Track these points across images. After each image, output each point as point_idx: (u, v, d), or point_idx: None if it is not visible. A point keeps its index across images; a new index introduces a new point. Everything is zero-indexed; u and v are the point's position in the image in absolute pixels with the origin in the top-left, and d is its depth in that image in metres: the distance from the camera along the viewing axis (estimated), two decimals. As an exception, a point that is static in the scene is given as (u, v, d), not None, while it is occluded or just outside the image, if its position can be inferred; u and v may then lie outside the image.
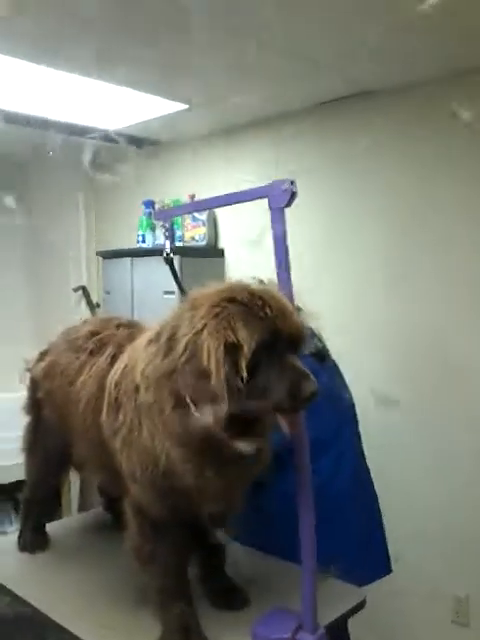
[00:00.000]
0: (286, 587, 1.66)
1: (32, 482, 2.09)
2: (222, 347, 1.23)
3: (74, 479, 3.69)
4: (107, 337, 1.79)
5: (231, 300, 1.29)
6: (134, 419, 1.46)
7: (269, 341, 1.25)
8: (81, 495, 3.82)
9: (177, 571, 1.55)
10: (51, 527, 2.14)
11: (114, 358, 1.67)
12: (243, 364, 1.23)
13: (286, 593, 1.61)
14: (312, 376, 1.27)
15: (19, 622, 1.78)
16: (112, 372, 1.62)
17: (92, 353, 1.76)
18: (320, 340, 1.93)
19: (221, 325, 1.25)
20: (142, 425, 1.44)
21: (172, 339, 1.32)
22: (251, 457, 1.36)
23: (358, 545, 1.92)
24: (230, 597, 1.66)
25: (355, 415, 2.11)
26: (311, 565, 1.46)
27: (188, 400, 1.27)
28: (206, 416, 1.26)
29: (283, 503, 1.62)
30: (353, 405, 2.12)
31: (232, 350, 1.23)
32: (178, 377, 1.28)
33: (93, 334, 1.82)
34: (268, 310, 1.27)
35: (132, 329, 1.80)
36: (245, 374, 1.23)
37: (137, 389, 1.44)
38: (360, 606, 1.66)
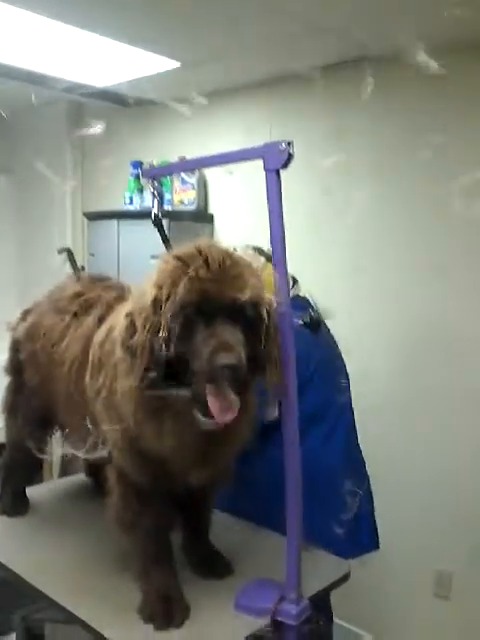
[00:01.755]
0: (270, 557, 1.64)
1: (12, 445, 2.06)
2: (149, 303, 1.24)
3: (56, 443, 3.66)
4: (93, 298, 1.75)
5: (178, 257, 1.27)
6: (113, 379, 1.43)
7: (197, 303, 1.21)
8: (63, 459, 3.78)
9: (159, 539, 1.53)
10: (31, 491, 2.11)
11: (102, 319, 1.64)
12: (162, 323, 1.22)
13: (270, 563, 1.60)
14: (237, 348, 1.19)
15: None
16: (98, 333, 1.57)
17: (77, 315, 1.72)
18: (313, 309, 1.89)
19: (157, 281, 1.26)
20: (118, 385, 1.40)
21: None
22: (223, 429, 1.30)
23: (347, 519, 1.91)
24: (213, 565, 1.65)
25: (348, 387, 2.09)
26: (296, 536, 1.44)
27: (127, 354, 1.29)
28: (131, 369, 1.28)
29: (271, 472, 1.60)
30: (347, 376, 2.09)
31: (159, 307, 1.23)
32: (125, 331, 1.30)
33: (78, 295, 1.78)
34: (203, 271, 1.23)
35: (119, 291, 1.77)
36: (162, 333, 1.21)
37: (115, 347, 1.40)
38: (344, 578, 1.66)
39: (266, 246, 1.44)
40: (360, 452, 2.09)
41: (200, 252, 1.26)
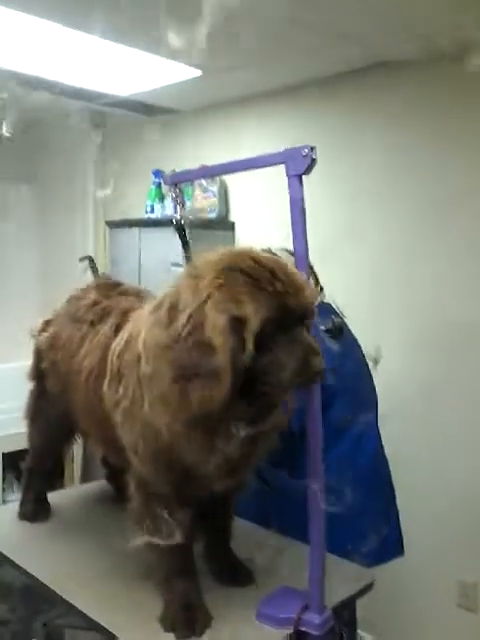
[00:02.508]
0: (293, 566, 1.62)
1: (34, 451, 2.07)
2: (227, 321, 1.19)
3: (78, 449, 3.68)
4: (109, 306, 1.75)
5: (236, 269, 1.24)
6: (136, 391, 1.42)
7: (277, 317, 1.21)
8: (84, 465, 3.80)
9: (181, 547, 1.50)
10: (53, 497, 2.11)
11: (118, 328, 1.63)
12: (250, 340, 1.19)
13: (293, 572, 1.58)
14: (319, 351, 1.24)
15: (16, 591, 1.76)
16: (115, 342, 1.57)
17: (93, 324, 1.73)
18: (337, 314, 1.89)
19: (226, 297, 1.21)
20: (143, 397, 1.39)
21: (173, 309, 1.28)
22: (256, 436, 1.31)
23: (373, 525, 1.89)
24: (235, 574, 1.63)
25: (375, 390, 2.07)
26: (319, 543, 1.43)
27: (189, 375, 1.23)
28: (207, 392, 1.21)
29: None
30: (372, 380, 2.08)
31: (237, 325, 1.19)
32: (179, 350, 1.23)
33: (95, 304, 1.79)
34: (278, 284, 1.22)
35: (135, 297, 1.77)
36: (251, 350, 1.19)
37: (139, 360, 1.39)
38: (368, 588, 1.63)
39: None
40: (384, 455, 2.07)
41: (259, 264, 1.25)
